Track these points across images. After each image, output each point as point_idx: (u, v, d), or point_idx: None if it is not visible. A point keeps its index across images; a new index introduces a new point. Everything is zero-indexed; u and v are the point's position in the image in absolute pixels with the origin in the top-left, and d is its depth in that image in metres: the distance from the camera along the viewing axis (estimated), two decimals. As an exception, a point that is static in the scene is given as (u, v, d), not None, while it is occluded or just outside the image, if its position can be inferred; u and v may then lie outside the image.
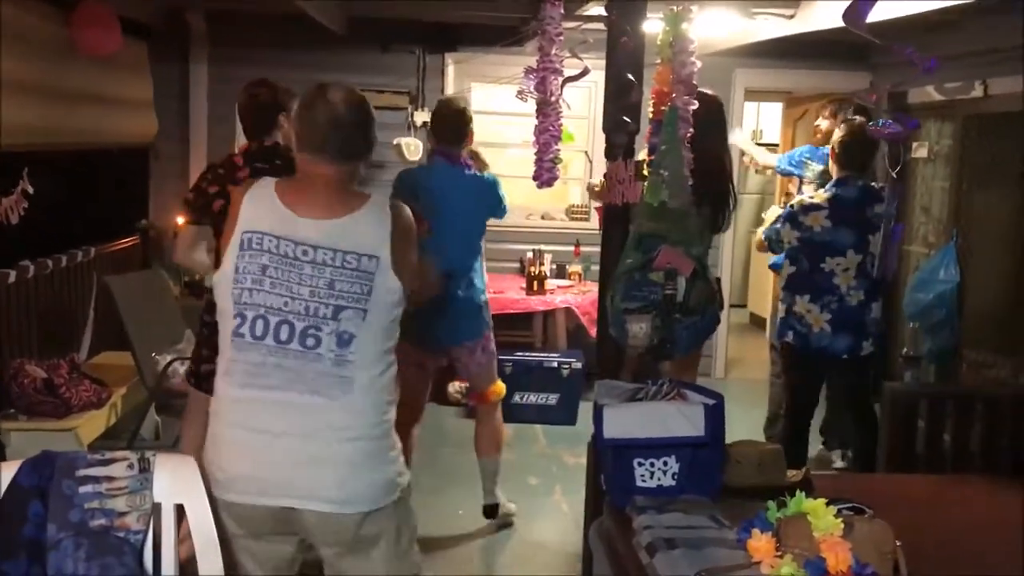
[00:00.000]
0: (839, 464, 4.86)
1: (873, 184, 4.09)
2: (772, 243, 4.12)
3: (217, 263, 2.20)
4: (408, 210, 2.20)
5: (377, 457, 2.10)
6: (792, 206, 4.04)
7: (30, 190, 4.15)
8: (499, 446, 4.12)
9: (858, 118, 4.23)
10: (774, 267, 5.03)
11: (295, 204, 2.09)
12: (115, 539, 1.91)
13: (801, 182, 4.97)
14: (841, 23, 2.48)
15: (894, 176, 3.72)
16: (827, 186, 4.03)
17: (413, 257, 2.18)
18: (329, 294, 2.04)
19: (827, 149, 4.83)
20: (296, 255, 2.05)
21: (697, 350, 3.66)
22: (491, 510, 4.13)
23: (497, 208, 3.91)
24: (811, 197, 4.04)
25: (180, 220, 3.58)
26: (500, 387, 4.09)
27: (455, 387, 5.72)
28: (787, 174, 5.25)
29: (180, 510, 1.98)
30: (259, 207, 2.09)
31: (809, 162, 4.92)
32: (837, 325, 3.95)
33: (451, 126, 3.84)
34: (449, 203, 3.63)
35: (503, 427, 4.17)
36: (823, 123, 5.00)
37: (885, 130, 3.14)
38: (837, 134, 4.05)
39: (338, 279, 2.04)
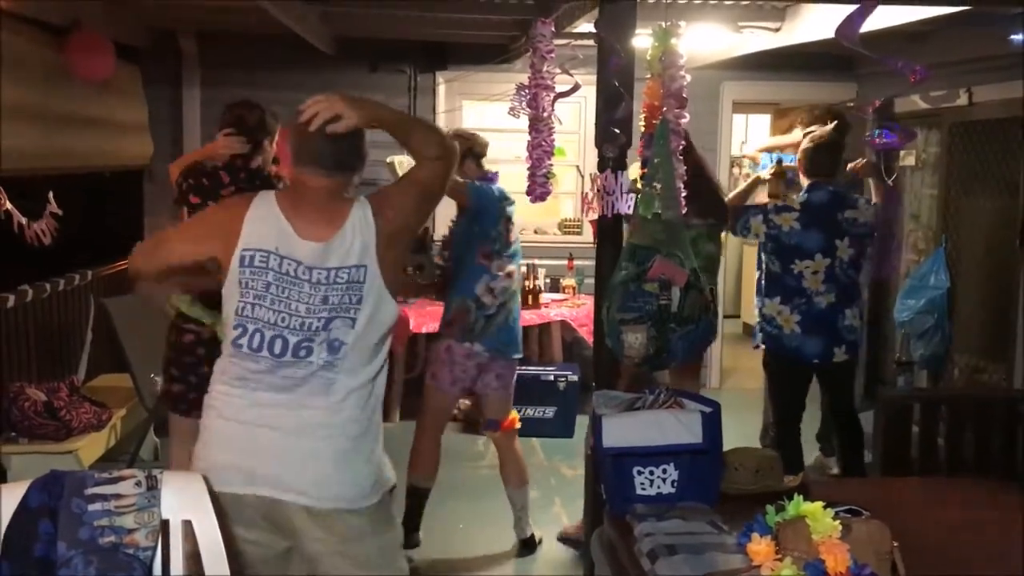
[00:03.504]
0: (836, 471, 4.88)
1: (839, 190, 4.13)
2: (739, 227, 4.16)
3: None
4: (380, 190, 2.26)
5: (359, 456, 2.14)
6: (767, 206, 4.15)
7: (59, 212, 4.18)
8: (526, 478, 4.07)
9: (817, 127, 4.31)
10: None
11: (295, 220, 2.14)
12: (125, 556, 1.93)
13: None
14: (826, 35, 2.55)
15: (890, 184, 3.79)
16: (801, 193, 4.14)
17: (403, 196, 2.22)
18: (322, 308, 2.10)
19: None
20: (297, 274, 2.12)
21: (696, 360, 3.69)
22: (529, 543, 4.08)
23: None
24: (785, 202, 4.16)
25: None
26: (515, 416, 4.07)
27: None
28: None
29: (188, 526, 2.01)
30: (262, 224, 2.15)
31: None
32: (807, 327, 4.01)
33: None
34: None
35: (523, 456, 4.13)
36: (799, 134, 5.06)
37: (879, 140, 3.20)
38: (802, 144, 4.15)
39: (331, 294, 2.11)
